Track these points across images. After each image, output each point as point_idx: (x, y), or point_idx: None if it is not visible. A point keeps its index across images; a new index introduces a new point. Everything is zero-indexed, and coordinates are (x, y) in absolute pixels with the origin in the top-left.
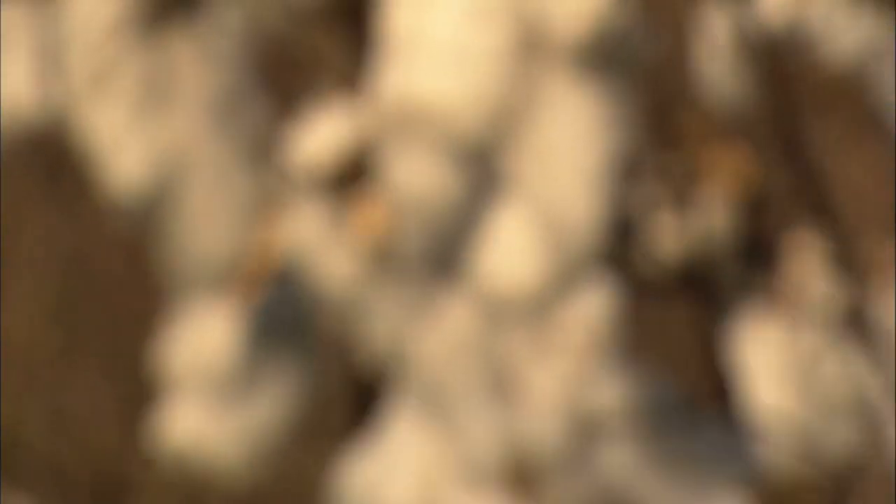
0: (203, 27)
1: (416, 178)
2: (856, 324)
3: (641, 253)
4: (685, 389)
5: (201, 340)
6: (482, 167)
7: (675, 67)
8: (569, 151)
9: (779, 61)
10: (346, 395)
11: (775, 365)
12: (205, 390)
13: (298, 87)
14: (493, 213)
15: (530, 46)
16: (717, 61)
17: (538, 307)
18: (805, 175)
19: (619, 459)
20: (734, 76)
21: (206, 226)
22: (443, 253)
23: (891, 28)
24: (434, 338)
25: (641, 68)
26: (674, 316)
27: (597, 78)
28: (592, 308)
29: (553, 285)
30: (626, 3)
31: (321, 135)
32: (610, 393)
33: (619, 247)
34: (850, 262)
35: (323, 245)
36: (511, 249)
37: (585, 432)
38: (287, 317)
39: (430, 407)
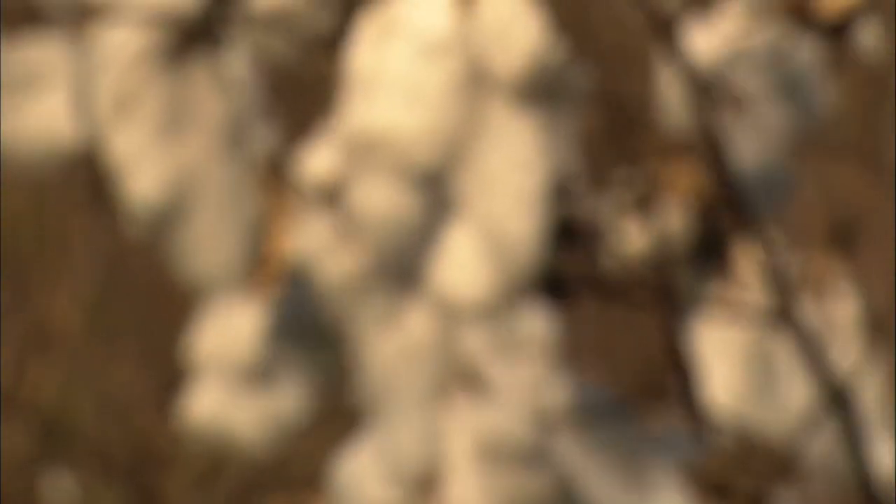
0: (217, 59)
1: (378, 200)
2: (789, 322)
3: (610, 255)
4: (646, 377)
5: (227, 333)
6: (435, 190)
7: (639, 96)
8: (509, 176)
9: (712, 90)
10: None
11: (724, 356)
12: (229, 377)
13: (304, 110)
14: (445, 231)
15: (475, 82)
16: (672, 90)
17: (488, 313)
18: (744, 191)
19: (571, 450)
20: (685, 103)
21: (217, 237)
22: (402, 265)
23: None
24: (395, 338)
25: (575, 100)
26: (640, 311)
27: (533, 110)
28: (537, 315)
29: (499, 294)
30: (559, 43)
31: (325, 153)
32: (561, 392)
33: (589, 251)
34: (783, 269)
35: (325, 250)
36: (461, 263)
37: (544, 426)
38: (300, 313)
39: (383, 402)
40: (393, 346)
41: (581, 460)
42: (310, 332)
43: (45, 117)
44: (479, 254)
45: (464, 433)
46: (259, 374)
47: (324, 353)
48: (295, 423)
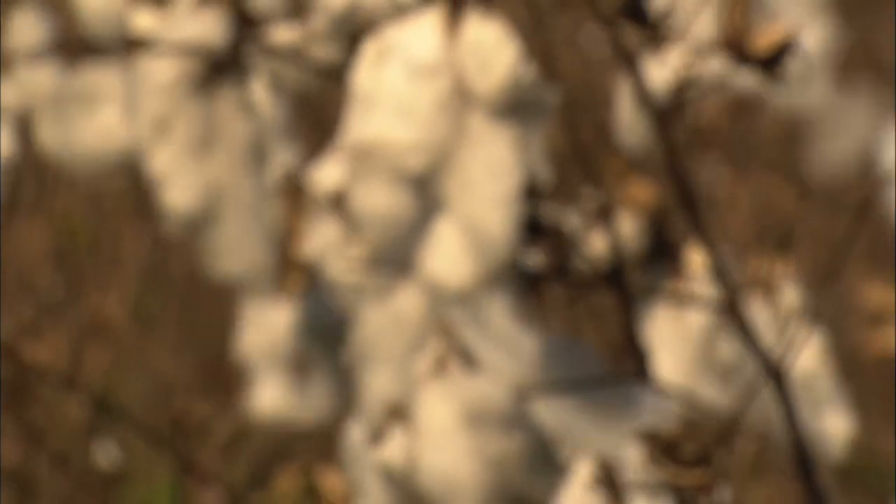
0: (242, 85)
1: (375, 199)
2: (733, 312)
3: (579, 257)
4: (608, 358)
5: (268, 330)
6: (424, 192)
7: (603, 124)
8: (487, 180)
9: (668, 113)
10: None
11: (671, 339)
12: (278, 369)
13: (317, 129)
14: (432, 226)
15: (459, 100)
16: (632, 115)
17: (468, 293)
18: (691, 202)
19: (550, 411)
20: (642, 127)
21: (244, 241)
22: (396, 254)
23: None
24: (387, 311)
25: (543, 116)
26: (603, 302)
27: (508, 124)
28: (509, 298)
29: (477, 279)
30: (530, 67)
31: (334, 167)
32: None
33: (556, 249)
34: (727, 270)
35: (334, 249)
36: (446, 252)
37: (522, 392)
38: (322, 308)
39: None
40: (385, 316)
41: (554, 423)
42: (331, 325)
43: (99, 132)
44: (460, 245)
45: (450, 401)
46: (300, 365)
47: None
48: (333, 405)
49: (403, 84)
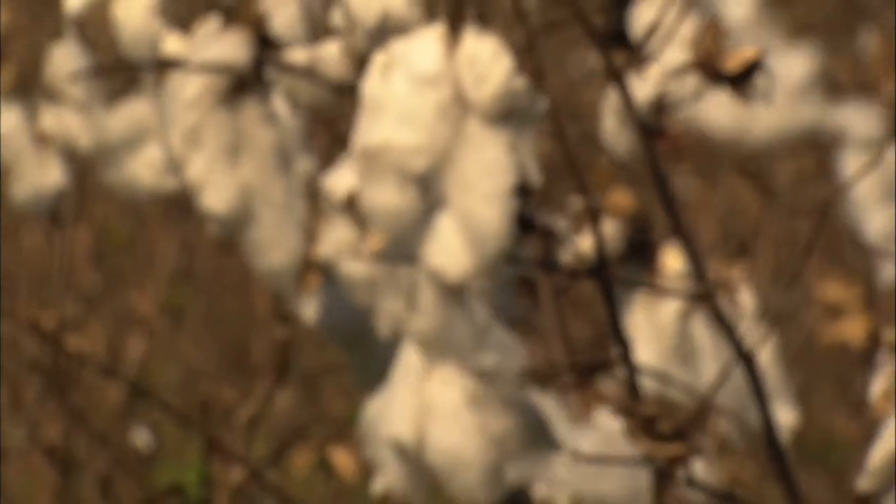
0: (265, 99)
1: (384, 197)
2: (709, 307)
3: (570, 253)
4: (593, 344)
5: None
6: (427, 190)
7: (589, 134)
8: (483, 180)
9: (648, 125)
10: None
11: (647, 328)
12: None
13: (332, 139)
14: (434, 221)
15: (458, 107)
16: (615, 127)
17: (466, 282)
18: (669, 206)
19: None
20: (625, 137)
21: (273, 239)
22: (403, 246)
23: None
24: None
25: (533, 123)
26: (590, 293)
27: (502, 130)
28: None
29: (474, 269)
30: (522, 78)
31: (350, 175)
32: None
33: (556, 251)
34: (703, 266)
35: (352, 249)
36: (447, 245)
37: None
38: (340, 304)
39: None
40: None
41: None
42: (346, 317)
43: (147, 167)
44: (459, 238)
45: (457, 385)
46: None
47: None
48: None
49: (408, 93)
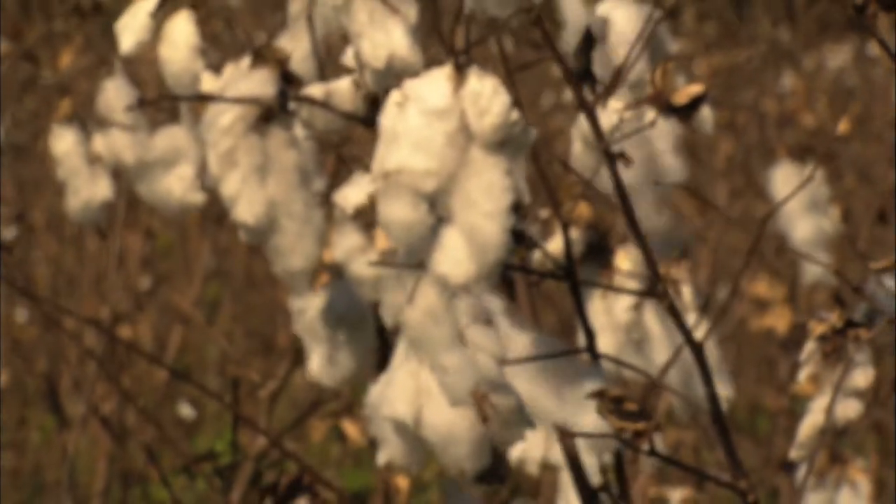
0: (288, 127)
1: (399, 213)
2: (662, 299)
3: (540, 255)
4: (560, 333)
5: (309, 310)
6: (436, 207)
7: (560, 158)
8: (484, 199)
9: (610, 150)
10: (379, 340)
11: (606, 319)
12: (319, 341)
13: (342, 163)
14: (442, 233)
15: (463, 136)
16: (581, 150)
17: (468, 285)
18: (627, 216)
19: (525, 380)
20: (590, 158)
21: (294, 246)
22: (414, 254)
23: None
24: (413, 305)
25: (525, 151)
26: (559, 289)
27: (500, 156)
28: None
29: (476, 277)
30: (516, 110)
31: (358, 191)
32: (516, 343)
33: (528, 250)
34: (652, 268)
35: (360, 252)
36: (452, 254)
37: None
38: (348, 297)
39: (413, 347)
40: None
41: (531, 388)
42: (357, 306)
43: (178, 184)
44: (463, 248)
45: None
46: (333, 336)
47: (362, 324)
48: (356, 370)
49: (420, 124)
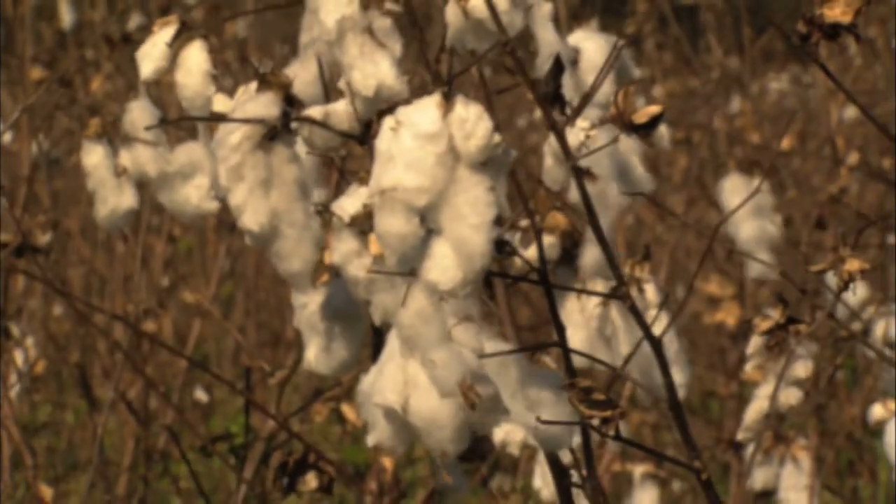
0: (291, 144)
1: (393, 226)
2: (625, 300)
3: (518, 259)
4: (535, 331)
5: (309, 306)
6: (426, 221)
7: (534, 172)
8: (470, 213)
9: (578, 165)
10: (372, 336)
11: (577, 316)
12: (317, 334)
13: (340, 175)
14: (432, 245)
15: (451, 157)
16: (552, 165)
17: (455, 291)
18: (593, 224)
19: (505, 375)
20: (560, 172)
21: (296, 251)
22: (407, 263)
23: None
24: (406, 308)
25: (506, 169)
26: (534, 290)
27: (484, 174)
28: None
29: (463, 283)
30: (498, 133)
31: (354, 201)
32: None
33: (508, 258)
34: (617, 270)
35: (355, 256)
36: (442, 264)
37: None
38: (345, 295)
39: (405, 344)
40: (409, 309)
41: (504, 382)
42: (352, 306)
43: (195, 193)
44: (451, 259)
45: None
46: (330, 329)
47: (357, 319)
48: (349, 361)
49: (413, 146)
